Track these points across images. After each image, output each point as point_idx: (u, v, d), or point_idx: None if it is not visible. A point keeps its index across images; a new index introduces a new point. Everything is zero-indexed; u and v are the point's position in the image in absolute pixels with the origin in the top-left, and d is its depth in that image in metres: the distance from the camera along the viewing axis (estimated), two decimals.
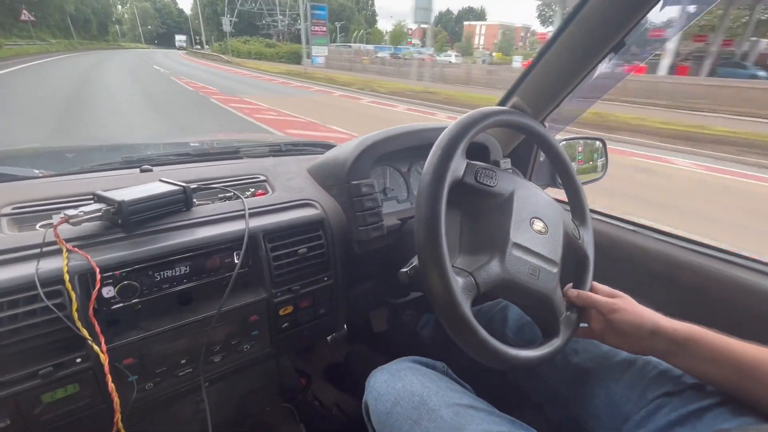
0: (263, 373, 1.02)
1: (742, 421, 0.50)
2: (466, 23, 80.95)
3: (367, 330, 1.24)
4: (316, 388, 1.15)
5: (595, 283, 0.66)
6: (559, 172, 0.70)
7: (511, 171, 1.00)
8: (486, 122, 0.58)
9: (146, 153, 0.93)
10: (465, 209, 0.60)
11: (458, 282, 0.50)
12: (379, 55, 31.25)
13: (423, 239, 0.50)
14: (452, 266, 0.52)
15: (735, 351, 0.50)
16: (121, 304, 0.57)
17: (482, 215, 0.59)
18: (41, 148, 1.05)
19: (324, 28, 23.13)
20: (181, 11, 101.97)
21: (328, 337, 1.27)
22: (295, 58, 28.81)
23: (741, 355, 0.50)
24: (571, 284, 0.66)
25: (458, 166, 0.55)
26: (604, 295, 0.62)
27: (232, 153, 0.98)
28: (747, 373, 0.49)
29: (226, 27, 36.89)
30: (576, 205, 0.70)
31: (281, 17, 46.30)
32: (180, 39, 75.00)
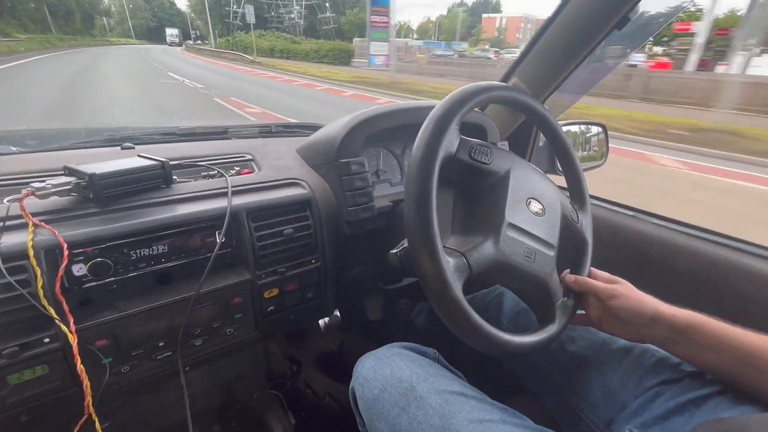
0: (251, 359, 0.99)
1: (742, 410, 0.48)
2: (485, 15, 75.16)
3: (361, 318, 1.22)
4: (308, 376, 1.13)
5: (594, 269, 0.63)
6: (559, 154, 0.67)
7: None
8: (482, 97, 0.54)
9: (131, 132, 0.90)
10: (458, 187, 0.57)
11: (450, 262, 0.48)
12: (438, 53, 26.33)
13: (413, 217, 0.47)
14: (444, 246, 0.50)
15: (736, 339, 0.49)
16: (94, 283, 0.55)
17: (476, 194, 0.56)
18: (25, 129, 1.01)
19: (386, 19, 17.81)
20: (172, 3, 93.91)
21: (321, 325, 1.25)
22: (342, 58, 23.32)
23: (742, 343, 0.48)
24: (568, 269, 0.63)
25: (451, 140, 0.51)
26: (602, 280, 0.60)
27: (219, 133, 0.94)
28: (748, 362, 0.48)
29: (250, 18, 30.73)
30: (575, 188, 0.67)
31: (297, 7, 42.15)
32: (172, 33, 63.11)
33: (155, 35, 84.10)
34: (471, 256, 0.50)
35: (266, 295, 0.69)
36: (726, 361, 0.50)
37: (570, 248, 0.64)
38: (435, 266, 0.46)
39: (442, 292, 0.46)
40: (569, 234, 0.62)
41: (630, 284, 0.58)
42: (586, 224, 0.65)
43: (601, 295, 0.57)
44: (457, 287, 0.47)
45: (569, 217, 0.62)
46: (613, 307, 0.56)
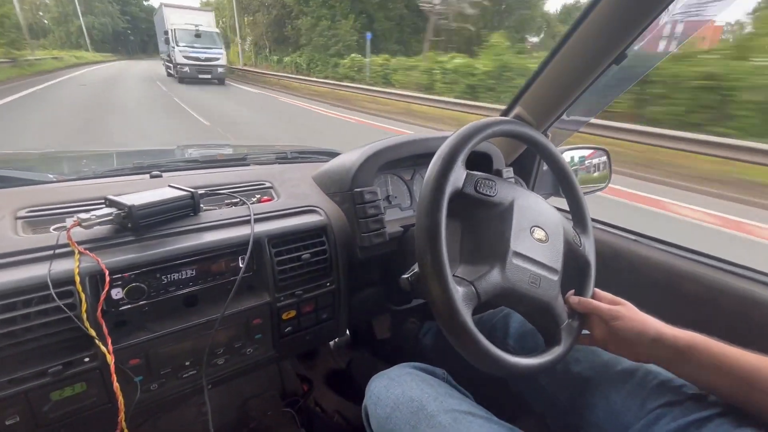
0: (265, 378, 1.03)
1: (743, 431, 0.50)
2: None
3: (370, 337, 1.25)
4: (318, 394, 1.15)
5: (597, 290, 0.66)
6: (560, 181, 0.71)
7: (513, 180, 1.01)
8: (485, 133, 0.59)
9: (157, 159, 0.96)
10: (465, 219, 0.61)
11: (459, 291, 0.51)
12: None
13: (423, 249, 0.51)
14: (453, 275, 0.53)
15: (737, 359, 0.50)
16: (129, 306, 0.59)
17: (482, 225, 0.60)
18: (56, 152, 1.08)
19: None
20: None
21: (331, 344, 1.28)
22: None
23: (743, 363, 0.50)
24: (573, 291, 0.66)
25: (458, 176, 0.56)
26: (605, 301, 0.62)
27: (239, 160, 1.00)
28: (749, 382, 0.49)
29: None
30: (577, 212, 0.71)
31: None
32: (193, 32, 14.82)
33: (127, 44, 53.13)
34: (479, 285, 0.54)
35: (284, 316, 0.73)
36: (726, 382, 0.51)
37: (574, 270, 0.67)
38: (445, 295, 0.50)
39: (453, 320, 0.50)
40: (572, 257, 0.65)
41: (632, 305, 0.61)
42: (588, 247, 0.68)
43: (604, 316, 0.60)
44: (466, 315, 0.50)
45: (572, 242, 0.65)
46: (615, 328, 0.58)
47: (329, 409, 1.13)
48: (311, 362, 1.24)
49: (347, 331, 1.27)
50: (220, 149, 1.17)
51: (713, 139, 4.74)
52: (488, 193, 0.59)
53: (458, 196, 0.56)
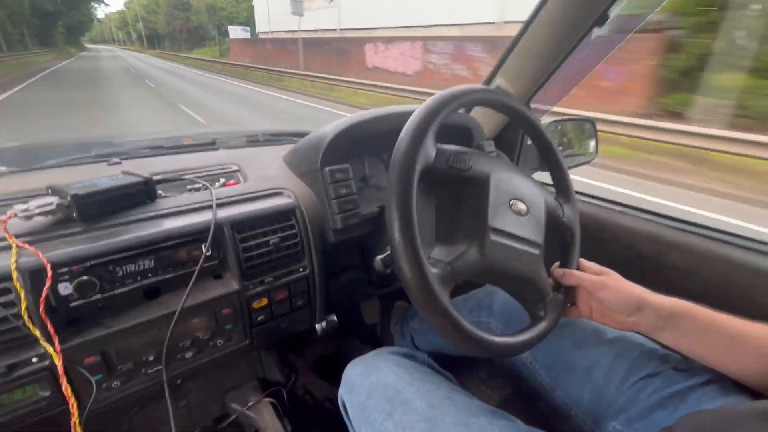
0: (245, 368, 1.00)
1: (726, 400, 0.49)
2: None
3: (358, 322, 1.23)
4: (307, 381, 1.14)
5: (583, 261, 0.64)
6: (541, 151, 0.67)
7: (495, 154, 0.97)
8: (455, 103, 0.54)
9: (119, 148, 0.90)
10: (439, 197, 0.57)
11: (435, 274, 0.48)
12: None
13: (395, 231, 0.48)
14: (429, 257, 0.50)
15: (721, 325, 0.50)
16: (81, 301, 0.55)
17: (458, 202, 0.56)
18: (13, 145, 1.02)
19: None
20: None
21: (319, 330, 1.25)
22: None
23: (727, 329, 0.49)
24: (557, 263, 0.64)
25: (428, 151, 0.51)
26: (591, 272, 0.61)
27: (207, 144, 0.95)
28: (732, 347, 0.49)
29: None
30: (559, 181, 0.67)
31: None
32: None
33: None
34: (456, 265, 0.51)
35: (255, 305, 0.69)
36: (711, 347, 0.51)
37: (558, 242, 0.64)
38: (420, 279, 0.46)
39: (430, 303, 0.47)
40: (556, 228, 0.62)
41: (617, 275, 0.59)
42: (572, 217, 0.65)
43: (588, 287, 0.58)
44: (443, 297, 0.47)
45: (554, 213, 0.62)
46: (600, 298, 0.57)
47: (319, 397, 1.11)
48: (298, 350, 1.22)
49: (335, 317, 1.25)
50: (189, 135, 1.12)
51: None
52: (461, 167, 0.54)
53: (430, 172, 0.52)
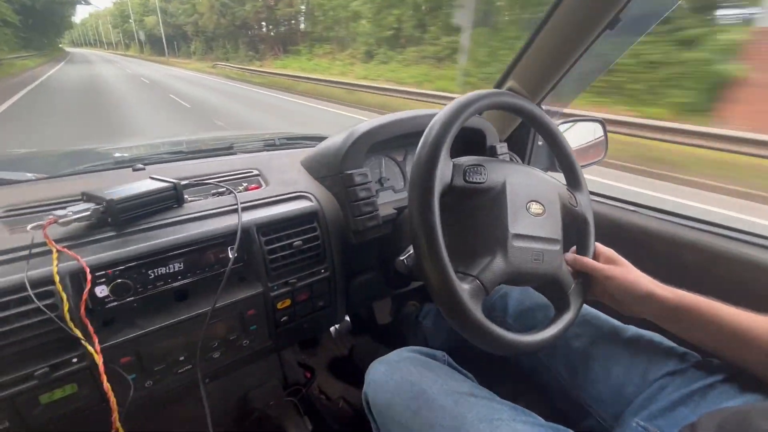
0: (266, 368, 1.02)
1: (746, 398, 0.50)
2: None
3: (371, 322, 1.24)
4: (321, 381, 1.15)
5: (599, 245, 0.65)
6: (552, 147, 0.68)
7: (508, 156, 0.99)
8: (466, 113, 0.55)
9: (139, 153, 0.93)
10: (460, 211, 0.59)
11: (465, 289, 0.50)
12: None
13: (425, 256, 0.50)
14: (456, 272, 0.52)
15: (726, 318, 0.51)
16: (116, 303, 0.57)
17: (478, 213, 0.57)
18: (36, 152, 1.05)
19: None
20: None
21: (332, 331, 1.27)
22: None
23: (731, 322, 0.51)
24: (573, 248, 0.66)
25: (444, 171, 0.53)
26: (604, 258, 0.63)
27: (225, 149, 0.97)
28: (735, 339, 0.50)
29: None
30: (568, 170, 0.68)
31: None
32: None
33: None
34: (484, 277, 0.53)
35: (279, 306, 0.71)
36: (714, 339, 0.52)
37: (574, 230, 0.66)
38: (453, 297, 0.49)
39: (465, 319, 0.49)
40: (571, 218, 0.64)
41: (628, 265, 0.61)
42: (584, 204, 0.66)
43: (596, 276, 0.60)
44: (477, 311, 0.50)
45: (568, 204, 0.64)
46: (608, 287, 0.59)
47: (334, 396, 1.12)
48: (313, 350, 1.24)
49: (347, 317, 1.26)
50: (205, 139, 1.14)
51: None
52: (478, 180, 0.56)
53: (448, 190, 0.54)
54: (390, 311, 1.27)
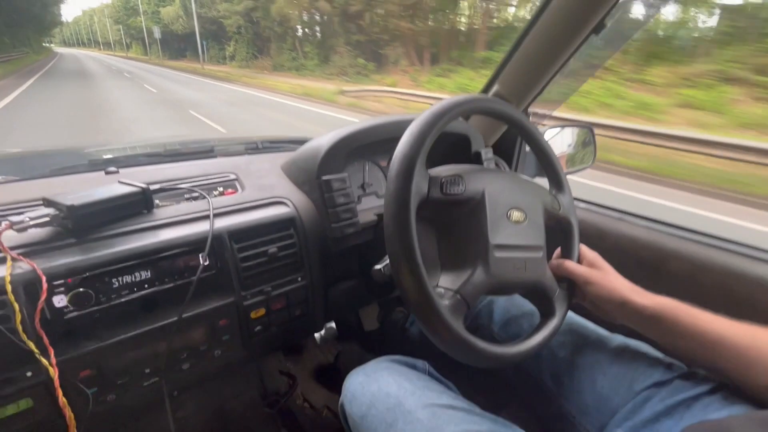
0: (243, 378, 0.99)
1: (731, 410, 0.49)
2: None
3: (357, 329, 1.22)
4: (305, 389, 1.12)
5: (583, 247, 0.65)
6: (536, 153, 0.67)
7: (493, 162, 0.97)
8: (441, 123, 0.53)
9: (115, 155, 0.90)
10: (438, 224, 0.57)
11: (446, 306, 0.49)
12: None
13: (402, 274, 0.48)
14: (437, 286, 0.51)
15: (702, 326, 0.50)
16: (75, 313, 0.54)
17: (457, 225, 0.56)
18: (11, 152, 1.02)
19: None
20: None
21: (317, 337, 1.25)
22: None
23: (708, 329, 0.50)
24: (557, 252, 0.65)
25: (420, 184, 0.51)
26: (587, 261, 0.62)
27: (205, 152, 0.94)
28: (713, 347, 0.49)
29: None
30: (550, 170, 0.67)
31: None
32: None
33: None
34: (465, 291, 0.51)
35: (253, 315, 0.68)
36: (692, 347, 0.51)
37: (558, 233, 0.65)
38: (432, 314, 0.47)
39: (446, 336, 0.48)
40: (554, 221, 0.63)
41: (610, 269, 0.61)
42: (567, 206, 0.65)
43: (576, 281, 0.60)
44: (458, 326, 0.48)
45: (551, 208, 0.62)
46: (587, 292, 0.59)
47: (317, 405, 1.10)
48: (297, 357, 1.21)
49: (333, 324, 1.24)
50: (186, 141, 1.11)
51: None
52: (456, 191, 0.54)
53: (426, 203, 0.52)
54: (377, 317, 1.25)
